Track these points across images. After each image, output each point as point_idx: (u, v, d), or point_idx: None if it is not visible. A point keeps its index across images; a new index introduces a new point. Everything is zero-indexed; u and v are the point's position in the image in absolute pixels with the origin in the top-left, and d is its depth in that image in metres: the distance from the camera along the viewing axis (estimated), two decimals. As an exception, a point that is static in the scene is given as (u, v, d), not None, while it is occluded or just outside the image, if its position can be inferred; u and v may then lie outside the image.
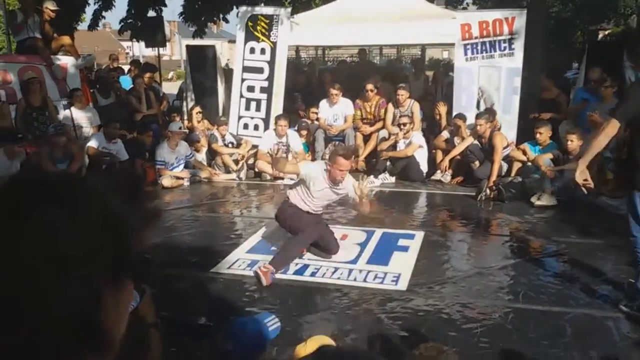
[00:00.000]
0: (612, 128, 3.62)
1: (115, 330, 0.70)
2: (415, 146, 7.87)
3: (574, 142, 6.85)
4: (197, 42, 14.72)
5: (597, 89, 7.74)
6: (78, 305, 0.63)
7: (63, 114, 8.22)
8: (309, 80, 11.45)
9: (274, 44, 8.98)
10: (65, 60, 8.75)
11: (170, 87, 17.22)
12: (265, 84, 9.04)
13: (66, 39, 9.09)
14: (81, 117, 8.30)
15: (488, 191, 6.85)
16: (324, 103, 8.88)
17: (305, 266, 4.77)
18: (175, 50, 49.38)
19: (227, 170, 8.42)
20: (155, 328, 1.82)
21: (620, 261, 4.76)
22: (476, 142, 7.68)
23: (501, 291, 4.31)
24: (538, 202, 6.52)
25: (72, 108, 8.21)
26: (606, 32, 27.27)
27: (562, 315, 3.81)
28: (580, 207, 6.42)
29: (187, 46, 11.04)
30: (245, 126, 9.16)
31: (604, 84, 7.45)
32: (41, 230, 0.63)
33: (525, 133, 7.85)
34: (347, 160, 4.66)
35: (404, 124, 7.95)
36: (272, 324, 2.73)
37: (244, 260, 4.96)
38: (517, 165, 7.48)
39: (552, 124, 7.68)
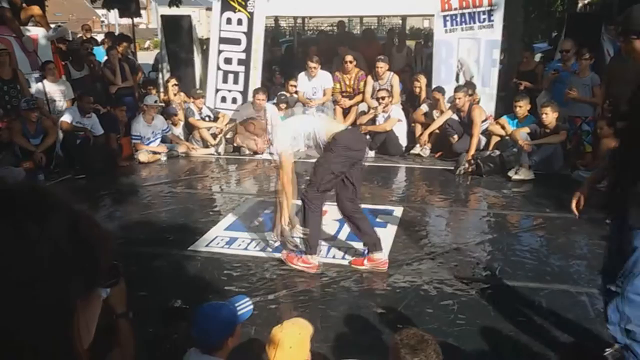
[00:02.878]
0: None
1: (85, 338, 0.72)
2: (394, 120, 7.83)
3: (548, 116, 6.87)
4: (173, 10, 14.40)
5: (568, 59, 7.76)
6: (51, 315, 0.65)
7: (35, 87, 8.00)
8: (288, 51, 11.28)
9: (251, 14, 8.80)
10: (36, 32, 8.49)
11: (146, 57, 16.89)
12: (243, 55, 8.87)
13: (36, 9, 8.82)
14: (54, 90, 8.08)
15: (466, 165, 6.87)
16: (302, 76, 8.75)
17: (284, 243, 4.74)
18: (152, 18, 48.09)
19: (205, 145, 8.31)
20: (125, 318, 1.79)
21: (596, 235, 4.82)
22: (455, 115, 7.66)
23: (478, 267, 4.35)
24: (515, 176, 6.56)
25: (45, 81, 7.98)
26: (585, 1, 27.22)
27: (538, 291, 3.86)
28: (556, 180, 6.49)
29: (162, 16, 10.78)
30: (223, 99, 9.03)
31: (583, 56, 7.43)
32: (12, 242, 0.64)
33: (505, 106, 7.84)
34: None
35: (383, 98, 7.88)
36: (244, 306, 2.71)
37: (222, 237, 4.91)
38: (495, 139, 7.48)
39: (531, 96, 7.68)
